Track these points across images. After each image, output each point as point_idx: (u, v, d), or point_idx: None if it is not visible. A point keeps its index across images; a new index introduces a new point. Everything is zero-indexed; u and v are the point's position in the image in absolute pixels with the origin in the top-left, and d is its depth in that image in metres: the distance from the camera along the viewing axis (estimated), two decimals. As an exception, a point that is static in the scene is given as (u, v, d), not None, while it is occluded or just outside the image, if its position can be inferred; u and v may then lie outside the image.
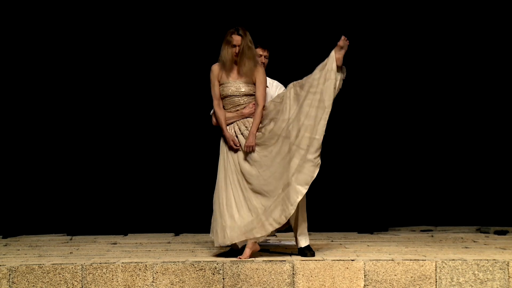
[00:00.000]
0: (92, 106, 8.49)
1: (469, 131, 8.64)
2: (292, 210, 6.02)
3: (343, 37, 6.11)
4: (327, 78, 6.08)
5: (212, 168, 6.48)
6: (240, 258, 5.95)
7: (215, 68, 6.27)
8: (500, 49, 8.64)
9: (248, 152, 6.14)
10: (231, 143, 6.15)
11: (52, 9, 8.47)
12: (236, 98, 6.19)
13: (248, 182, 6.14)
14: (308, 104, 6.08)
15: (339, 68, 6.09)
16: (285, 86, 6.35)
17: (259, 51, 6.38)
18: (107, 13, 8.51)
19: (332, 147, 8.19)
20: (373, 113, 8.55)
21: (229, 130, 6.19)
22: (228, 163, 6.18)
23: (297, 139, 6.08)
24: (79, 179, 8.44)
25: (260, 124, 6.18)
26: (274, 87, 6.50)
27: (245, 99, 6.18)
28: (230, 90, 6.19)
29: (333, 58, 6.08)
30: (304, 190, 6.02)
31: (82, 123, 8.47)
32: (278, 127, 6.14)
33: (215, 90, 6.25)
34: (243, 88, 6.18)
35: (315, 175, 6.05)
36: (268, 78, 6.39)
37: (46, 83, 8.48)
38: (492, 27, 8.63)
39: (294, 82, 6.21)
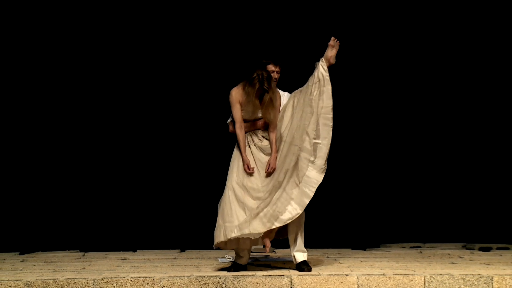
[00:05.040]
0: (102, 126, 8.47)
1: (455, 154, 8.65)
2: (298, 210, 6.01)
3: (332, 38, 6.23)
4: (320, 85, 6.18)
5: (216, 187, 6.62)
6: (267, 251, 6.21)
7: (236, 93, 6.21)
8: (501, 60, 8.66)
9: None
10: (245, 166, 6.18)
11: (54, 10, 8.39)
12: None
13: (248, 190, 6.15)
14: (308, 107, 6.15)
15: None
16: None
17: (271, 67, 6.30)
18: (110, 15, 8.45)
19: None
20: (364, 134, 8.55)
21: None
22: (238, 175, 6.19)
23: (304, 143, 6.12)
24: (92, 200, 8.48)
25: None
26: (285, 98, 6.45)
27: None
28: (248, 116, 6.27)
29: (320, 67, 6.19)
30: (311, 193, 6.03)
31: (94, 145, 8.45)
32: (280, 133, 6.23)
33: (237, 114, 6.21)
34: (260, 114, 6.32)
35: (320, 180, 6.08)
36: (279, 90, 6.44)
37: (50, 97, 8.48)
38: (492, 29, 8.60)
39: (296, 90, 6.31)
